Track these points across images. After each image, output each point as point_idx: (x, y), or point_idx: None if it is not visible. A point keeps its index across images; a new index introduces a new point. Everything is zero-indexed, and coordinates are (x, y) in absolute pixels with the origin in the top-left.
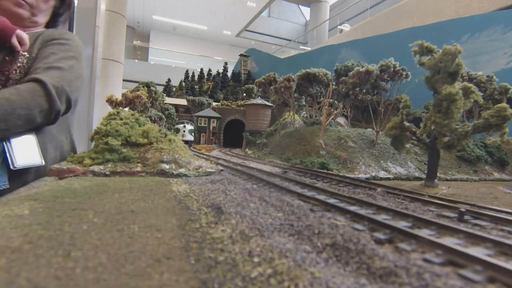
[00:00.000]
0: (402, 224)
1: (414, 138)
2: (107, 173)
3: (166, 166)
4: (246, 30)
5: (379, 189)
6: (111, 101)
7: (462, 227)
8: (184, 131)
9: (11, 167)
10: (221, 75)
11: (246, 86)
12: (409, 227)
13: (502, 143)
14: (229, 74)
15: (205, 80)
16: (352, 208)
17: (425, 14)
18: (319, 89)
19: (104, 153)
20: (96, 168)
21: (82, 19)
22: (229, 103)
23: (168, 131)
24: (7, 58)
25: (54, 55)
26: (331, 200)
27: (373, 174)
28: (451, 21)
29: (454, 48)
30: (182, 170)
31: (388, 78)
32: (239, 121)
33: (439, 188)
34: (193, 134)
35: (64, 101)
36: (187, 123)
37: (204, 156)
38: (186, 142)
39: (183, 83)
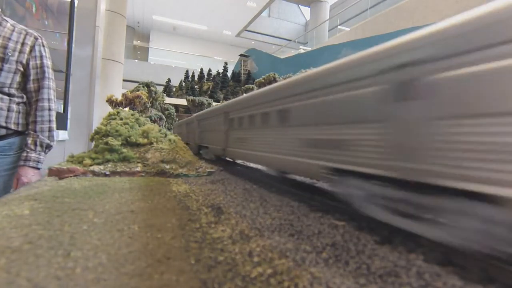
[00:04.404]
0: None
1: None
2: (107, 173)
3: (166, 166)
4: (246, 30)
5: None
6: (111, 101)
7: None
8: None
9: None
10: (221, 75)
11: (246, 86)
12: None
13: None
14: (229, 74)
15: (205, 80)
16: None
17: (425, 14)
18: None
19: (104, 153)
20: (96, 168)
21: (82, 19)
22: None
23: (168, 131)
24: None
25: None
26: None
27: None
28: None
29: None
30: (182, 170)
31: None
32: None
33: None
34: None
35: None
36: None
37: None
38: None
39: (183, 83)
